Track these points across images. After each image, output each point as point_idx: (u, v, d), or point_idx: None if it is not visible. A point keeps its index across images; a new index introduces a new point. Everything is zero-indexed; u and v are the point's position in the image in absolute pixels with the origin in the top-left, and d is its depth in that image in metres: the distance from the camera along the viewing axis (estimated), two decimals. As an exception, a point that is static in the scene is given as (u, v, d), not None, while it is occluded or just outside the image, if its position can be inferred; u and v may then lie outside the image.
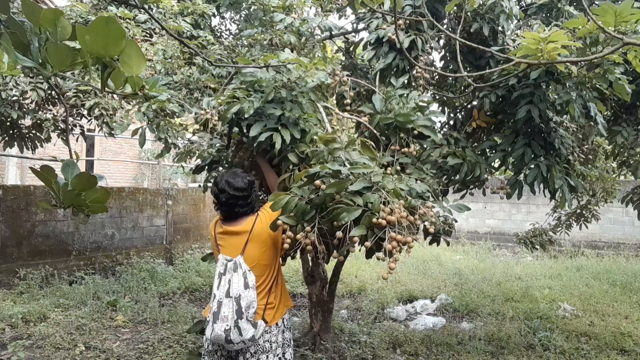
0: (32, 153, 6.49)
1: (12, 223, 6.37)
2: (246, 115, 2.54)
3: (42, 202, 2.46)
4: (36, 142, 5.82)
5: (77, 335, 4.69)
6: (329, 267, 4.76)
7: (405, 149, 2.78)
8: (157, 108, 3.74)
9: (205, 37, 4.62)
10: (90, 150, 13.10)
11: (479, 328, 5.45)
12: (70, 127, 6.04)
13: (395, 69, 3.50)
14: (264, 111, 2.61)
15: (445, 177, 3.49)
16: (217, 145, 3.44)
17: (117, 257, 7.76)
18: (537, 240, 5.79)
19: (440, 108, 4.42)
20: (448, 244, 3.72)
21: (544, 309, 6.13)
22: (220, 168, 3.45)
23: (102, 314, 5.40)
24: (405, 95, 3.00)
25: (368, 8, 3.54)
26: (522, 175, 3.42)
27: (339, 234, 1.96)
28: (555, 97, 3.13)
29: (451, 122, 4.32)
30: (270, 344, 2.40)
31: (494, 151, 3.60)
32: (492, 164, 3.72)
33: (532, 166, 3.28)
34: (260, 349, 2.37)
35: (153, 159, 13.13)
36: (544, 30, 2.71)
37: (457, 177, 3.44)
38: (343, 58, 4.64)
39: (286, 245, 2.16)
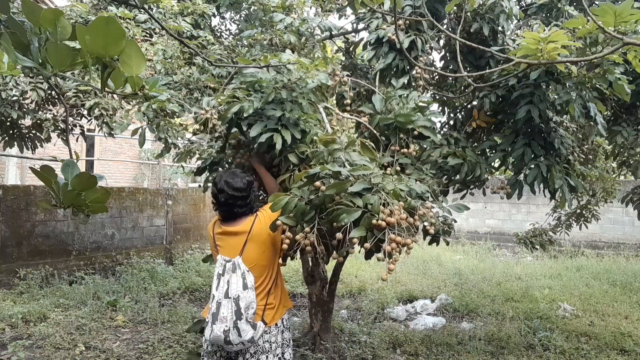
0: (32, 153, 6.49)
1: (12, 223, 6.37)
2: (246, 115, 2.53)
3: (42, 202, 2.46)
4: (36, 142, 5.82)
5: (77, 335, 4.69)
6: (329, 267, 4.75)
7: (405, 150, 2.78)
8: (157, 108, 3.74)
9: (205, 37, 4.62)
10: (90, 150, 13.10)
11: (479, 328, 5.45)
12: (70, 127, 6.04)
13: (395, 69, 3.50)
14: (264, 112, 2.61)
15: (445, 177, 3.49)
16: (217, 146, 3.44)
17: (117, 257, 7.75)
18: (537, 240, 5.79)
19: (440, 108, 4.42)
20: (448, 244, 3.73)
21: (544, 309, 6.13)
22: (220, 169, 3.45)
23: (102, 314, 5.40)
24: (405, 95, 3.00)
25: (368, 8, 3.54)
26: (522, 175, 3.42)
27: (339, 235, 1.96)
28: (555, 97, 3.13)
29: (451, 122, 4.32)
30: (270, 344, 2.40)
31: (494, 151, 3.60)
32: (492, 164, 3.72)
33: (532, 166, 3.28)
34: (259, 349, 2.37)
35: (153, 159, 13.13)
36: (544, 30, 2.71)
37: (458, 177, 3.45)
38: (343, 58, 4.64)
39: (285, 246, 2.16)
